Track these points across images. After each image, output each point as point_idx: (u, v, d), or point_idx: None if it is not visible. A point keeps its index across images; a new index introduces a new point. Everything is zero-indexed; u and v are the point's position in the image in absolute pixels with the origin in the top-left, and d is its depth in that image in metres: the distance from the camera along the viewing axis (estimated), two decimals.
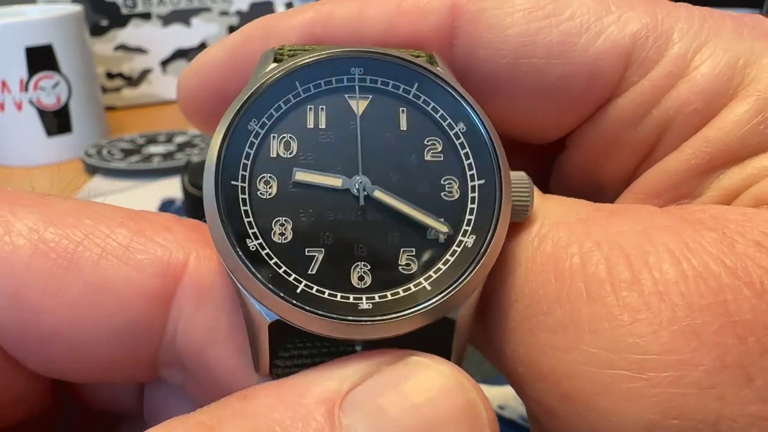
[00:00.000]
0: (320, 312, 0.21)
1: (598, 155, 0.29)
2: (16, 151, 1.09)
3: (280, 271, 0.22)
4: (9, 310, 0.23)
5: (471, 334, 0.24)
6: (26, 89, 1.06)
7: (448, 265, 0.22)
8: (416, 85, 0.25)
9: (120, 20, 1.30)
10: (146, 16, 1.31)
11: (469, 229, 0.23)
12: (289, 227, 0.22)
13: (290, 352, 0.23)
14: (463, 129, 0.24)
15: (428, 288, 0.22)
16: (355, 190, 0.23)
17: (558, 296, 0.22)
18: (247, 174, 0.23)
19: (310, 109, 0.24)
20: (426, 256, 0.22)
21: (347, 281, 0.22)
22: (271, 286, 0.21)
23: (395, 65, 0.25)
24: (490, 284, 0.23)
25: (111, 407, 0.30)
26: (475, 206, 0.23)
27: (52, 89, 1.08)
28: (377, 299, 0.22)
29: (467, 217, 0.23)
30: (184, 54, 1.34)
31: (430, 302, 0.22)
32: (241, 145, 0.23)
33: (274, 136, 0.23)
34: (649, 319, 0.20)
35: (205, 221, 0.22)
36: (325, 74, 0.24)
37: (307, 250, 0.22)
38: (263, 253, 0.22)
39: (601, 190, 0.29)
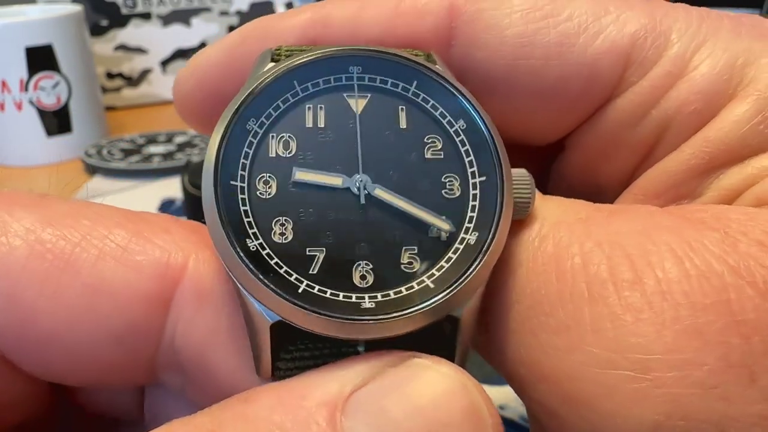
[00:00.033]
0: (322, 312, 0.21)
1: (597, 156, 0.29)
2: (16, 151, 1.09)
3: (281, 271, 0.21)
4: (4, 312, 0.23)
5: (474, 334, 0.23)
6: (26, 89, 1.06)
7: (450, 262, 0.22)
8: (415, 83, 0.25)
9: (120, 20, 1.30)
10: (146, 16, 1.31)
11: (472, 226, 0.23)
12: (290, 227, 0.22)
13: (292, 354, 0.22)
14: (463, 126, 0.24)
15: (431, 286, 0.22)
16: (356, 189, 0.23)
17: (560, 297, 0.22)
18: (246, 174, 0.23)
19: (309, 108, 0.24)
20: (428, 254, 0.22)
21: (349, 280, 0.22)
22: (272, 286, 0.21)
23: (394, 63, 0.25)
24: (490, 285, 0.23)
25: (110, 411, 0.30)
26: (476, 203, 0.23)
27: (52, 89, 1.08)
28: (380, 298, 0.21)
29: (469, 214, 0.23)
30: (184, 54, 1.34)
31: (434, 300, 0.21)
32: (239, 145, 0.23)
33: (273, 136, 0.23)
34: (652, 319, 0.20)
35: (204, 222, 0.22)
36: (323, 73, 0.24)
37: (308, 249, 0.22)
38: (264, 253, 0.22)
39: (600, 191, 0.29)
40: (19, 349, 0.24)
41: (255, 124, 0.23)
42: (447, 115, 0.24)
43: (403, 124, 0.24)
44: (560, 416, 0.22)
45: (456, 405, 0.20)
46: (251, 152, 0.23)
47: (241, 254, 0.21)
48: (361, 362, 0.21)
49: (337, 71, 0.24)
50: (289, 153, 0.23)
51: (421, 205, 0.23)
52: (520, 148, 0.31)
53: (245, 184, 0.22)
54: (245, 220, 0.22)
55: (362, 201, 0.23)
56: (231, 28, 1.34)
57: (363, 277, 0.22)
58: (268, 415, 0.19)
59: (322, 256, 0.22)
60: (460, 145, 0.24)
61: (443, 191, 0.23)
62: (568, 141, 0.30)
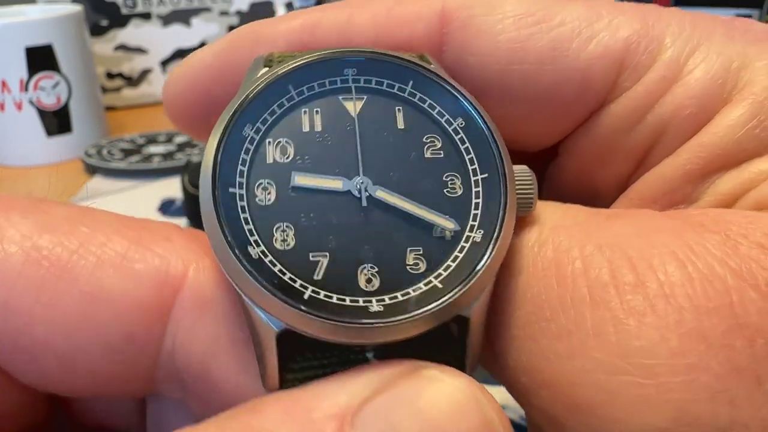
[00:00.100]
0: (330, 317, 0.20)
1: (591, 162, 0.29)
2: (16, 151, 1.09)
3: (285, 278, 0.21)
4: None
5: (483, 335, 0.23)
6: (26, 89, 1.06)
7: (457, 261, 0.22)
8: (411, 83, 0.24)
9: (120, 20, 1.30)
10: (146, 16, 1.31)
11: (476, 224, 0.22)
12: (291, 233, 0.22)
13: (299, 363, 0.22)
14: (461, 124, 0.24)
15: (439, 286, 0.21)
16: (357, 192, 0.22)
17: (561, 302, 0.21)
18: (244, 181, 0.22)
19: (305, 112, 0.24)
20: (434, 255, 0.22)
21: (355, 285, 0.21)
22: (277, 293, 0.20)
23: (389, 64, 0.25)
24: (496, 286, 0.23)
25: (110, 421, 0.29)
26: (480, 201, 0.23)
27: (52, 89, 1.08)
28: (387, 301, 0.21)
29: (473, 212, 0.23)
30: (184, 54, 1.34)
31: (443, 300, 0.21)
32: (236, 151, 0.23)
33: (269, 141, 0.23)
34: (656, 322, 0.20)
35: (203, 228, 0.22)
36: (318, 76, 0.24)
37: (311, 255, 0.21)
38: (266, 260, 0.21)
39: (595, 197, 0.29)
40: (14, 357, 0.23)
41: (251, 130, 0.23)
42: (445, 113, 0.24)
43: (401, 125, 0.24)
44: (562, 423, 0.21)
45: (469, 421, 0.19)
46: (248, 158, 0.23)
47: (244, 262, 0.21)
48: (370, 372, 0.20)
49: (332, 74, 0.24)
50: (286, 158, 0.23)
51: (423, 205, 0.23)
52: (514, 154, 0.31)
53: (244, 191, 0.22)
54: (246, 227, 0.21)
55: (364, 203, 0.22)
56: (231, 28, 1.34)
57: (369, 281, 0.21)
58: (275, 427, 0.19)
59: (326, 261, 0.21)
60: (459, 143, 0.24)
61: (445, 190, 0.23)
62: (563, 147, 0.30)
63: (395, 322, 0.20)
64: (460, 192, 0.23)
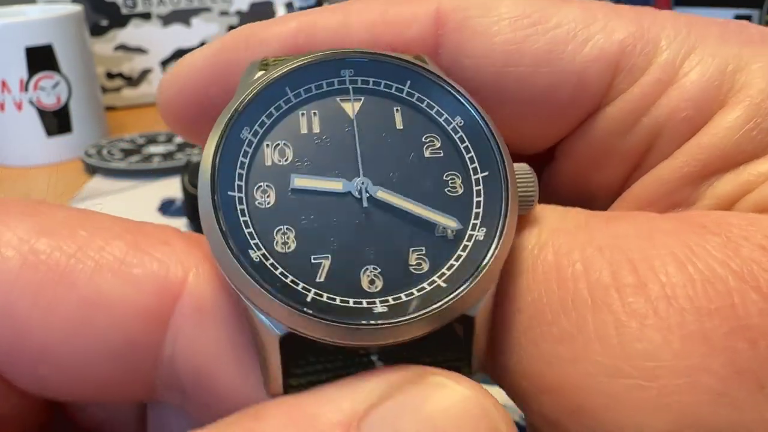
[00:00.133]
0: (334, 319, 0.20)
1: (588, 165, 0.29)
2: (16, 151, 1.09)
3: (288, 281, 0.21)
4: None
5: (489, 336, 0.23)
6: (26, 89, 1.06)
7: (460, 260, 0.22)
8: (408, 83, 0.24)
9: (120, 20, 1.30)
10: (146, 16, 1.31)
11: (478, 222, 0.22)
12: (292, 235, 0.22)
13: (303, 368, 0.22)
14: (460, 123, 0.24)
15: (443, 285, 0.21)
16: (357, 192, 0.22)
17: (562, 305, 0.21)
18: (243, 184, 0.22)
19: (303, 114, 0.24)
20: (437, 254, 0.22)
21: (358, 286, 0.21)
22: (279, 296, 0.20)
23: (385, 65, 0.24)
24: (500, 285, 0.23)
25: (109, 427, 0.29)
26: (481, 199, 0.23)
27: (52, 89, 1.08)
28: (391, 302, 0.21)
29: (475, 210, 0.23)
30: (184, 54, 1.33)
31: (448, 299, 0.21)
32: (235, 154, 0.22)
33: (268, 144, 0.23)
34: (658, 324, 0.19)
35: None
36: (315, 78, 0.24)
37: (312, 257, 0.21)
38: (268, 263, 0.21)
39: (591, 200, 0.29)
40: (11, 363, 0.23)
41: (249, 133, 0.23)
42: (443, 113, 0.24)
43: (399, 125, 0.24)
44: (564, 428, 0.21)
45: (475, 429, 0.19)
46: (247, 162, 0.22)
47: (245, 266, 0.20)
48: (375, 378, 0.20)
49: (329, 75, 0.24)
50: (285, 160, 0.23)
51: (425, 204, 0.22)
52: (511, 156, 0.31)
53: (243, 194, 0.22)
54: (246, 230, 0.21)
55: (365, 204, 0.22)
56: (231, 28, 1.34)
57: (372, 282, 0.21)
58: None
59: (327, 263, 0.21)
60: (459, 142, 0.24)
61: (446, 189, 0.23)
62: (559, 150, 0.30)
63: (400, 322, 0.20)
64: (461, 191, 0.23)
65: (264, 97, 0.23)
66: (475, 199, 0.23)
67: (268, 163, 0.23)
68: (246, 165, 0.22)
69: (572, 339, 0.21)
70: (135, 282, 0.22)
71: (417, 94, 0.24)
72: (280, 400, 0.20)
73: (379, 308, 0.20)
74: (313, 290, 0.21)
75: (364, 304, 0.21)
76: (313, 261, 0.21)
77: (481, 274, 0.21)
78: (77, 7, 1.14)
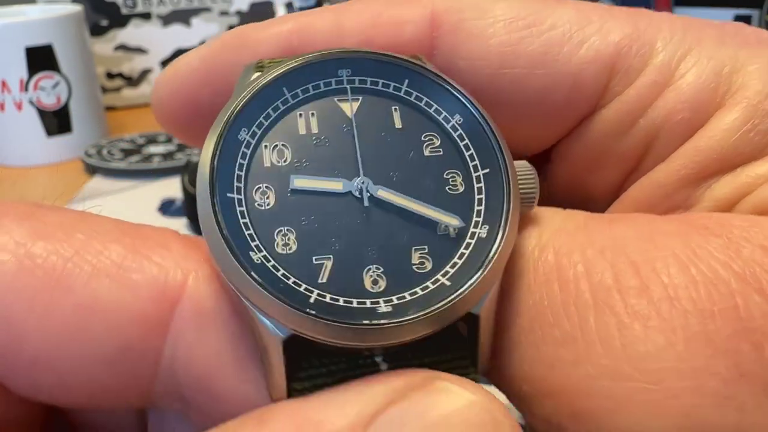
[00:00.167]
0: (338, 320, 0.20)
1: (584, 167, 0.28)
2: (16, 151, 1.09)
3: (290, 282, 0.20)
4: None
5: (493, 335, 0.23)
6: (26, 89, 1.06)
7: (464, 258, 0.21)
8: (406, 81, 0.24)
9: (120, 20, 1.30)
10: (146, 16, 1.31)
11: (481, 219, 0.22)
12: (292, 237, 0.21)
13: (307, 371, 0.21)
14: (459, 121, 0.24)
15: (447, 284, 0.21)
16: (357, 192, 0.22)
17: (564, 307, 0.21)
18: (242, 185, 0.22)
19: (300, 114, 0.23)
20: (439, 252, 0.22)
21: (361, 286, 0.21)
22: (282, 298, 0.20)
23: (383, 64, 0.24)
24: (503, 283, 0.22)
25: (109, 431, 0.28)
26: (483, 196, 0.23)
27: (52, 89, 1.08)
28: (396, 301, 0.20)
29: (476, 208, 0.22)
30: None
31: (452, 298, 0.21)
32: (233, 156, 0.22)
33: (266, 145, 0.23)
34: (661, 326, 0.19)
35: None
36: (312, 78, 0.24)
37: (314, 258, 0.21)
38: (269, 265, 0.21)
39: (588, 203, 0.29)
40: (8, 368, 0.22)
41: (247, 134, 0.23)
42: (442, 111, 0.24)
43: (398, 124, 0.24)
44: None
45: None
46: (245, 163, 0.22)
47: (246, 268, 0.20)
48: (380, 383, 0.20)
49: (327, 75, 0.24)
50: (284, 161, 0.23)
51: (426, 203, 0.22)
52: None
53: (242, 196, 0.22)
54: (246, 232, 0.21)
55: (366, 204, 0.22)
56: (230, 28, 1.34)
57: (375, 282, 0.21)
58: None
59: (329, 264, 0.21)
60: (458, 140, 0.24)
61: (447, 188, 0.23)
62: (555, 152, 0.29)
63: (405, 322, 0.20)
64: (461, 189, 0.23)
65: (261, 98, 0.23)
66: (477, 197, 0.23)
67: (267, 164, 0.22)
68: (245, 166, 0.22)
69: (574, 341, 0.20)
70: (133, 287, 0.22)
71: (415, 93, 0.24)
72: (284, 404, 0.20)
73: (384, 308, 0.20)
74: (316, 291, 0.20)
75: (368, 305, 0.20)
76: (314, 262, 0.21)
77: (484, 272, 0.21)
78: (77, 7, 1.14)
